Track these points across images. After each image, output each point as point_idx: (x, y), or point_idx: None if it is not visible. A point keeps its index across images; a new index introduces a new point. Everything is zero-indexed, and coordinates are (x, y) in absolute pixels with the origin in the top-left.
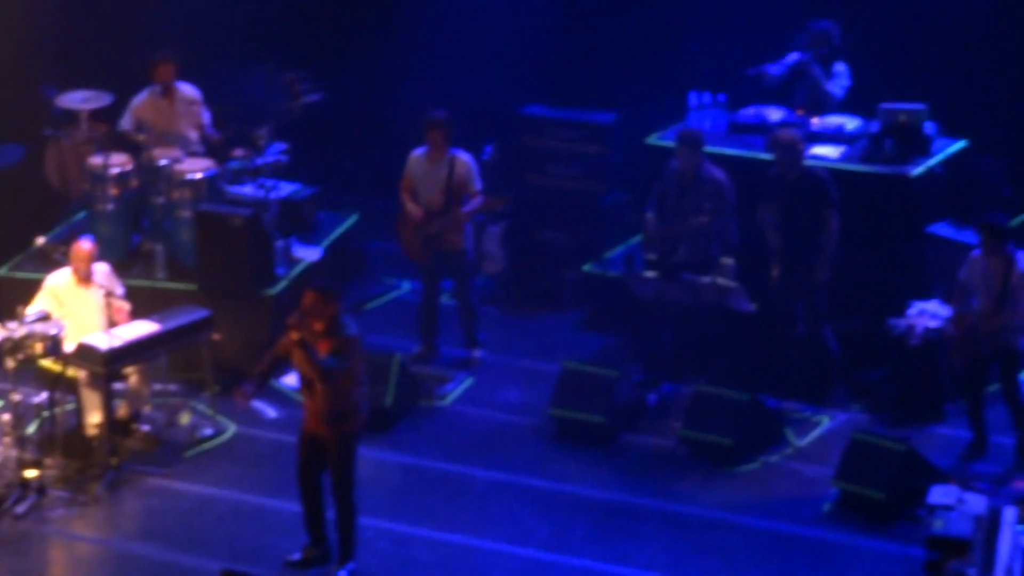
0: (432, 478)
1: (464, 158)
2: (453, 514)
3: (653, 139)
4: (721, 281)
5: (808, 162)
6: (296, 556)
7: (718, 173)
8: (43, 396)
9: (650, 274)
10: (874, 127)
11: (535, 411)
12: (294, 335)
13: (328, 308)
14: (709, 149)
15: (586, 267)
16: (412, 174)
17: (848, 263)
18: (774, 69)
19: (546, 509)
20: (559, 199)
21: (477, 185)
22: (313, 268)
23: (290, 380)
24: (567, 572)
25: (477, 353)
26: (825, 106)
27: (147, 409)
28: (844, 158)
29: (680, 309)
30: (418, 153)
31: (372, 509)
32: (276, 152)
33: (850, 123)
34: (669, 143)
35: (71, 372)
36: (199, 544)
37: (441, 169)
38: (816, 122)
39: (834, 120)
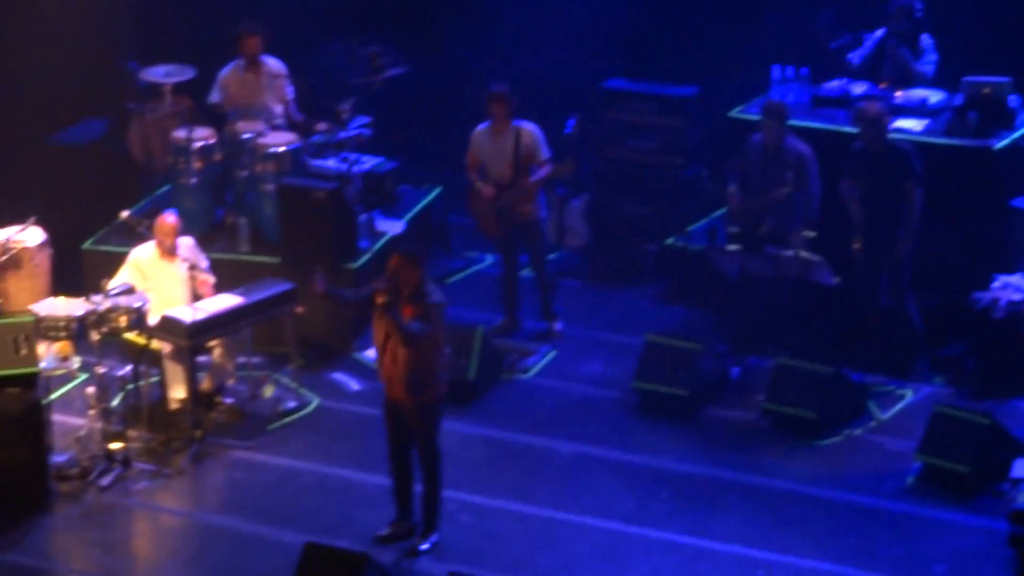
0: (515, 451)
1: (529, 128)
2: (535, 487)
3: (735, 112)
4: (804, 254)
5: (892, 135)
6: (384, 531)
7: (802, 146)
8: (127, 369)
9: (733, 247)
10: (958, 100)
11: (618, 384)
12: (380, 299)
13: (413, 273)
14: (792, 122)
15: (668, 240)
16: (477, 150)
17: (931, 236)
18: (856, 57)
19: (628, 482)
20: (640, 173)
21: (544, 153)
22: (395, 241)
23: (371, 353)
24: (649, 545)
25: (556, 325)
26: (914, 81)
27: (231, 382)
28: (927, 131)
29: (763, 282)
30: (482, 128)
31: (455, 482)
32: (359, 126)
33: (934, 96)
34: (751, 116)
35: (155, 345)
36: (282, 517)
37: (507, 142)
38: (899, 95)
39: (917, 93)
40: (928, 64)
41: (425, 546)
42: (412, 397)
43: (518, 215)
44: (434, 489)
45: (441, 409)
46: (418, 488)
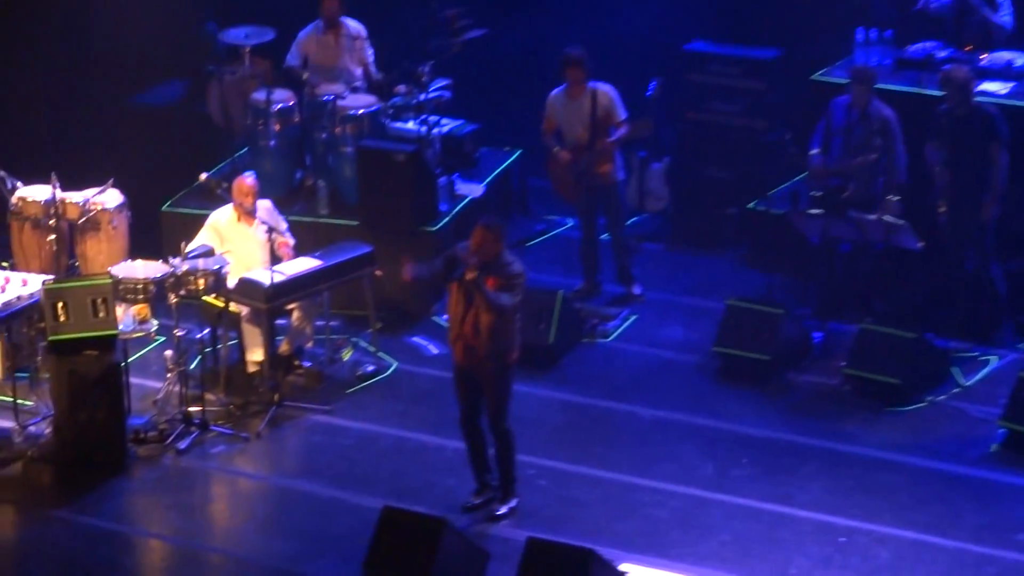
0: (594, 416)
1: (604, 89)
2: (614, 452)
3: (819, 75)
4: (888, 218)
5: (977, 99)
6: (473, 501)
7: (886, 110)
8: (205, 332)
9: (816, 212)
10: None
11: (698, 349)
12: (470, 274)
13: (496, 244)
14: (877, 85)
15: (750, 204)
16: (554, 115)
17: (1017, 200)
18: (935, 1)
19: (708, 447)
20: (722, 136)
21: (621, 114)
22: (475, 204)
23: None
24: (729, 511)
25: (635, 289)
26: (996, 38)
27: (309, 345)
28: (1012, 94)
29: (846, 247)
30: (557, 93)
31: (533, 447)
32: (438, 88)
33: (1019, 59)
34: (835, 79)
35: (233, 308)
36: (361, 481)
37: (583, 105)
38: (984, 58)
39: (1003, 56)
40: (1005, 15)
41: (502, 511)
42: (491, 363)
43: (596, 177)
44: (509, 453)
45: (514, 373)
46: (491, 453)
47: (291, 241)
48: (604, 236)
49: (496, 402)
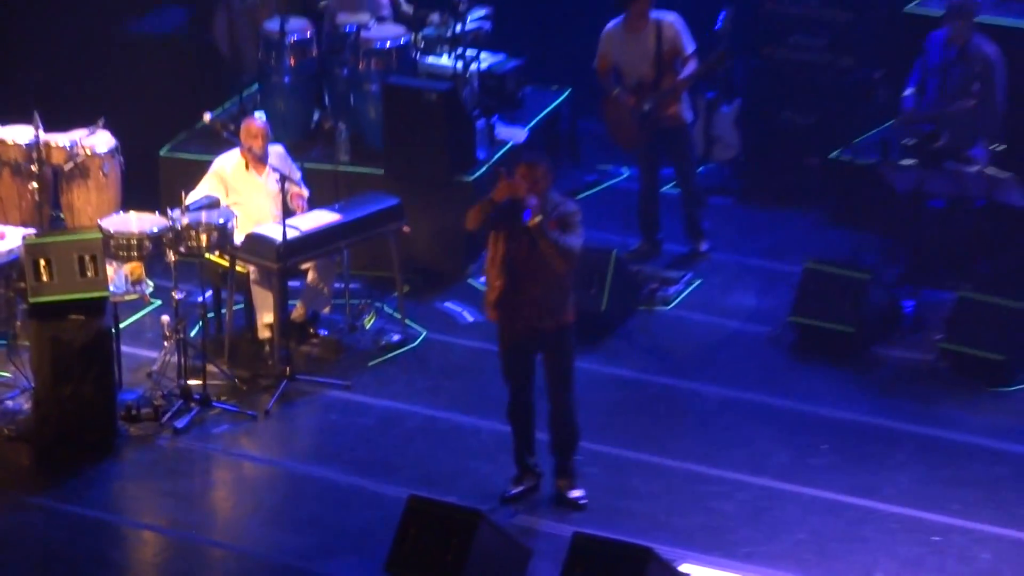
0: (652, 395)
1: (669, 19)
2: (676, 437)
3: (913, 7)
4: (991, 171)
5: None
6: (513, 491)
7: (989, 48)
8: (208, 295)
9: (908, 162)
10: None
11: (772, 318)
12: (535, 219)
13: (547, 182)
14: (978, 19)
15: (834, 153)
16: (610, 52)
17: None
18: None
19: (784, 432)
20: (802, 75)
21: (689, 47)
22: (517, 151)
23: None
24: (806, 505)
25: (703, 245)
26: None
27: (326, 311)
28: None
29: (943, 202)
30: (614, 27)
31: (582, 431)
32: (477, 19)
33: None
34: (931, 11)
35: (240, 267)
36: (384, 467)
37: (646, 39)
38: None
39: None
40: None
41: (579, 494)
42: (554, 321)
43: (663, 120)
44: (577, 426)
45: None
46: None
47: (306, 192)
48: (666, 189)
49: (565, 370)
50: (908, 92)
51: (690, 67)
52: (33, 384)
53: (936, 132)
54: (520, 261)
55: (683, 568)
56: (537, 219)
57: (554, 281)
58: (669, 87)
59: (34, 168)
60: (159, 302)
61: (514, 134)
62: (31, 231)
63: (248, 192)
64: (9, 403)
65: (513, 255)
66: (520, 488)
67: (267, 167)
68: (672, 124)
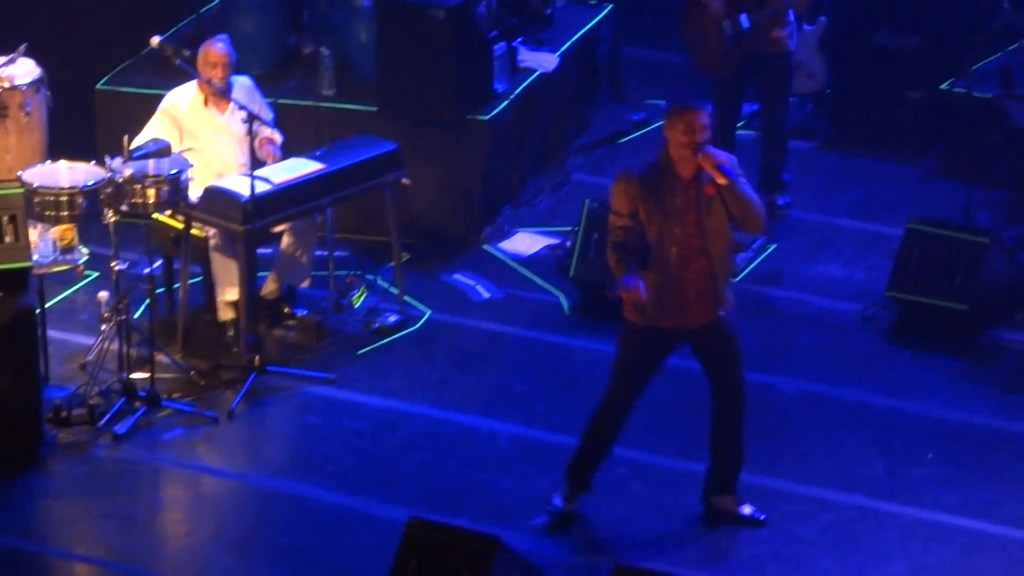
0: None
1: None
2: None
3: None
4: None
5: None
6: (565, 506)
7: None
8: (156, 265)
9: None
10: None
11: (865, 293)
12: (722, 178)
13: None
14: None
15: (943, 85)
16: None
17: None
18: None
19: (879, 437)
20: None
21: None
22: (546, 83)
23: (524, 244)
24: (907, 528)
25: (780, 200)
26: None
27: (305, 285)
28: None
29: None
30: None
31: (625, 435)
32: None
33: None
34: None
35: (197, 231)
36: (377, 482)
37: None
38: None
39: None
40: None
41: (750, 509)
42: (724, 309)
43: (763, 44)
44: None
45: None
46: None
47: (278, 137)
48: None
49: (738, 367)
50: None
51: None
52: None
53: None
54: (684, 243)
55: None
56: (724, 179)
57: (726, 257)
58: (776, 5)
59: None
60: (95, 274)
61: (542, 61)
62: None
63: (207, 135)
64: None
65: (671, 237)
66: (571, 507)
67: (231, 104)
68: (772, 50)
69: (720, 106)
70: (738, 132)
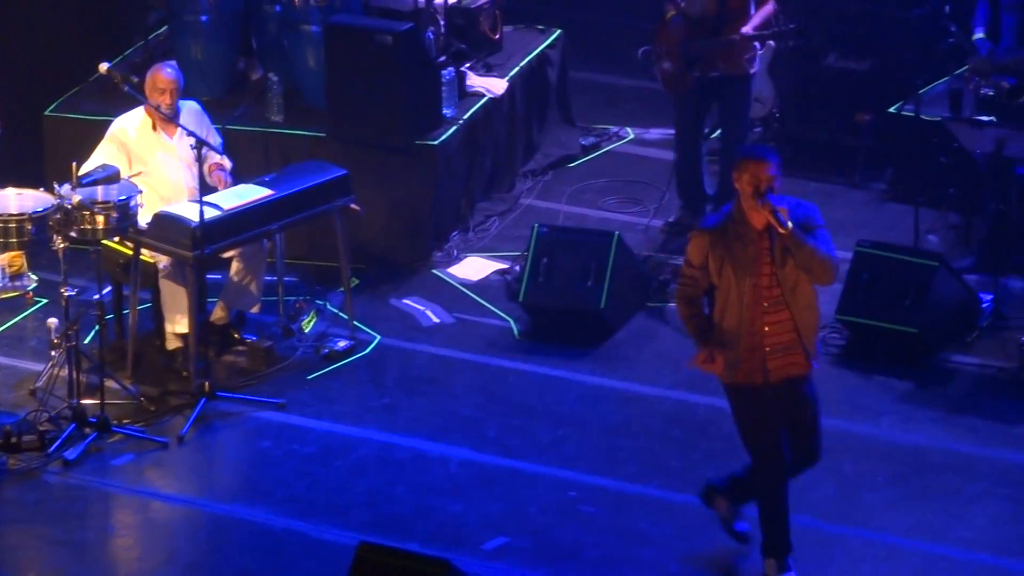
0: (664, 414)
1: None
2: (693, 466)
3: None
4: None
5: None
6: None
7: None
8: (106, 292)
9: (985, 118)
10: None
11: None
12: (785, 228)
13: (776, 176)
14: None
15: (892, 108)
16: None
17: None
18: None
19: (829, 460)
20: (851, 13)
21: None
22: (496, 107)
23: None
24: (858, 551)
25: None
26: None
27: (254, 311)
28: None
29: None
30: None
31: (576, 459)
32: None
33: None
34: None
35: (146, 257)
36: (327, 507)
37: None
38: None
39: None
40: None
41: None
42: (812, 359)
43: (724, 65)
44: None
45: None
46: None
47: (227, 163)
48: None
49: (819, 423)
50: (980, 33)
51: (765, 10)
52: None
53: (1019, 85)
54: (757, 294)
55: None
56: (788, 228)
57: (810, 307)
58: (725, 39)
59: None
60: (45, 301)
61: (491, 86)
62: None
63: (155, 161)
64: None
65: (743, 289)
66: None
67: (179, 130)
68: (731, 72)
69: (682, 128)
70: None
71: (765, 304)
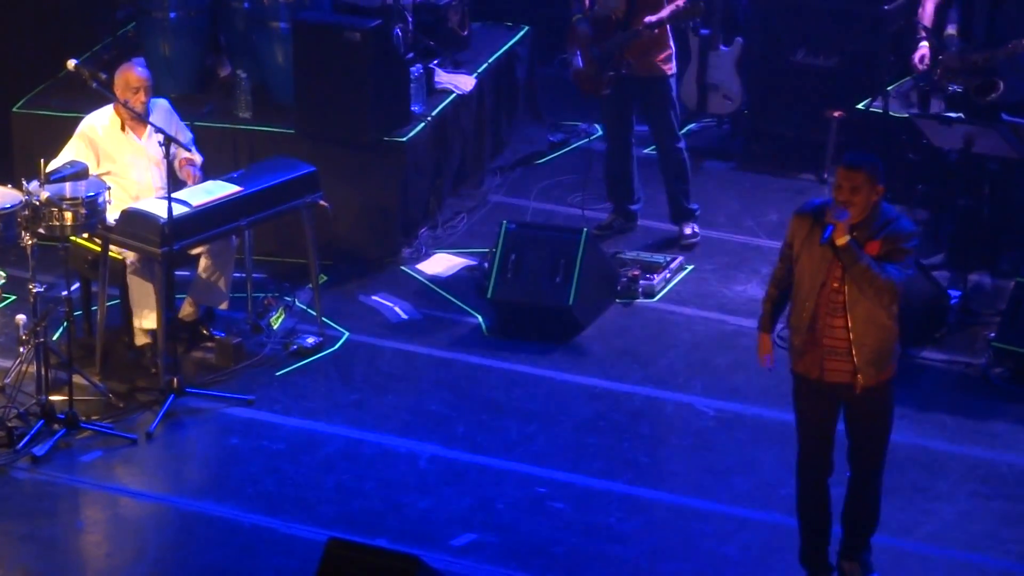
0: (633, 410)
1: None
2: (662, 462)
3: None
4: None
5: None
6: None
7: None
8: (74, 288)
9: (954, 115)
10: None
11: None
12: (841, 237)
13: (875, 192)
14: None
15: (860, 105)
16: None
17: None
18: None
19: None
20: (820, 10)
21: None
22: (464, 104)
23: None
24: None
25: (687, 229)
26: None
27: (223, 307)
28: None
29: (996, 165)
30: None
31: (546, 455)
32: None
33: None
34: None
35: (115, 253)
36: (297, 503)
37: None
38: None
39: None
40: None
41: None
42: (874, 375)
43: (637, 67)
44: (878, 508)
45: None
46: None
47: (198, 158)
48: (649, 151)
49: (876, 442)
50: (951, 30)
51: (670, 7)
52: None
53: (989, 81)
54: (825, 295)
55: None
56: (844, 238)
57: (873, 322)
58: (631, 31)
59: None
60: (13, 297)
61: (459, 83)
62: None
63: (124, 159)
64: None
65: (814, 284)
66: None
67: (149, 127)
68: (648, 73)
69: (608, 127)
70: (640, 152)
71: (828, 306)
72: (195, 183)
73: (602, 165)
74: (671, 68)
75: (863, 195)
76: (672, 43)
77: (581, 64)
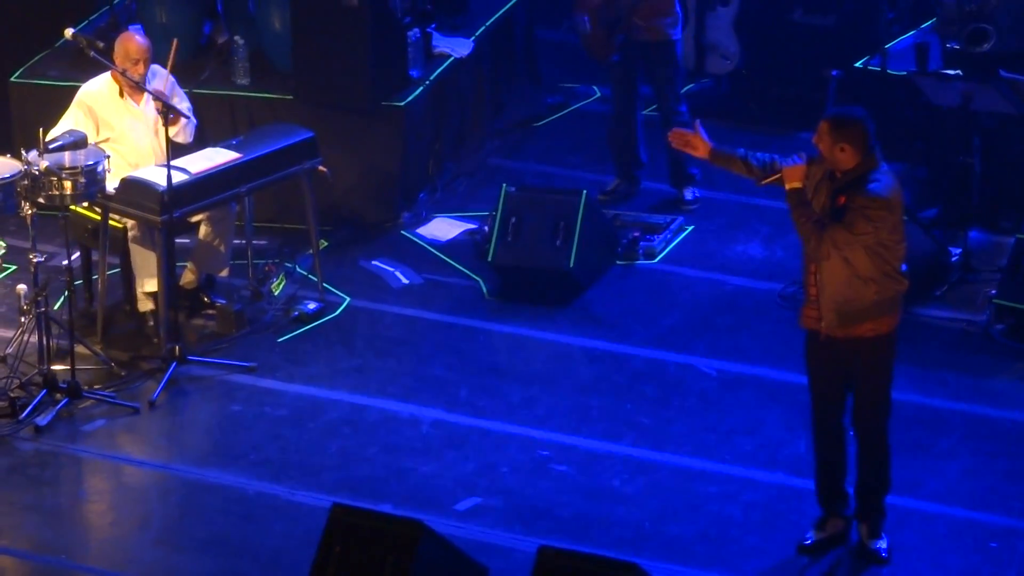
0: (635, 372)
1: None
2: (665, 424)
3: None
4: None
5: None
6: (812, 537)
7: None
8: (75, 257)
9: (952, 72)
10: None
11: (782, 272)
12: (790, 182)
13: (856, 151)
14: None
15: (857, 63)
16: None
17: None
18: None
19: (800, 416)
20: None
21: None
22: (462, 67)
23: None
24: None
25: (688, 194)
26: None
27: (223, 274)
28: None
29: (994, 122)
30: None
31: (548, 417)
32: None
33: None
34: None
35: (115, 222)
36: (300, 469)
37: None
38: None
39: None
40: None
41: (882, 544)
42: (842, 326)
43: (643, 31)
44: (887, 465)
45: (895, 348)
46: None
47: (192, 123)
48: (650, 112)
49: (872, 392)
50: None
51: None
52: None
53: (979, 28)
54: (814, 243)
55: None
56: (792, 184)
57: (842, 273)
58: None
59: None
60: (13, 267)
61: (456, 47)
62: None
63: (123, 127)
64: None
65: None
66: (824, 535)
67: (147, 94)
68: (652, 38)
69: (615, 92)
70: (648, 114)
71: (813, 253)
72: (187, 128)
73: (606, 130)
74: (677, 33)
75: (825, 144)
76: (679, 8)
77: (589, 28)
